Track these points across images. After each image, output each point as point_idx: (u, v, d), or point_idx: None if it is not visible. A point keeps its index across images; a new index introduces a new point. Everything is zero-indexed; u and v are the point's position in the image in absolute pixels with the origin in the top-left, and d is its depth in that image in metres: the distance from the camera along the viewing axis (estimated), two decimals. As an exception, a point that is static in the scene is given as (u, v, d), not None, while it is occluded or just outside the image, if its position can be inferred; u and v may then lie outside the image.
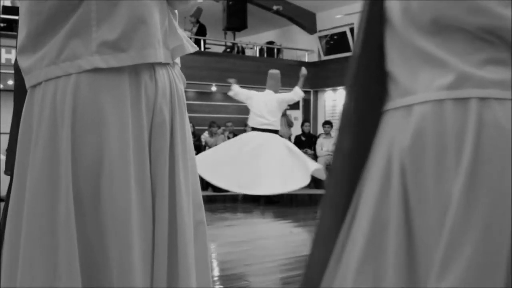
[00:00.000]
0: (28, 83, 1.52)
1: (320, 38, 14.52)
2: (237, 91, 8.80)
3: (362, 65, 1.43)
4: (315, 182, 11.27)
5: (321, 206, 1.47)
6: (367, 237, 1.32)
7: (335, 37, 14.32)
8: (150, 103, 1.52)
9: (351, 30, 13.76)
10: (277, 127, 8.67)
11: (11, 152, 1.69)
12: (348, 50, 13.88)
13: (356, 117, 1.43)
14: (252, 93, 8.77)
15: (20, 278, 1.40)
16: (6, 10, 11.32)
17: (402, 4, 1.30)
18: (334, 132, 12.14)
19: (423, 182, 1.24)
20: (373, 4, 1.39)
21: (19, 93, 1.63)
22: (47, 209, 1.41)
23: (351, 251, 1.34)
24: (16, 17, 11.18)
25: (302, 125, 12.42)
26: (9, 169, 1.71)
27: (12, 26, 11.20)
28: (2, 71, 9.73)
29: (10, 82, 11.48)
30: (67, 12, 1.45)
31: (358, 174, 1.41)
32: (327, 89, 14.42)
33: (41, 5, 1.46)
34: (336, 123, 13.46)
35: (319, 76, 14.10)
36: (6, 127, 7.00)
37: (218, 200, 9.54)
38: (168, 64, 1.58)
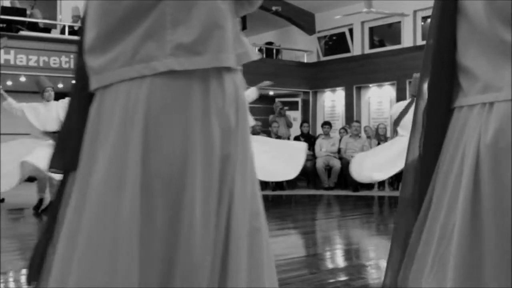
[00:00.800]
0: (97, 83, 1.51)
1: (319, 38, 14.53)
2: None
3: (437, 60, 1.40)
4: (314, 183, 11.29)
5: (399, 207, 1.50)
6: (437, 241, 1.35)
7: (334, 37, 14.33)
8: (219, 108, 1.50)
9: (350, 30, 13.77)
10: None
11: (60, 149, 1.68)
12: (347, 50, 13.90)
13: (428, 115, 1.41)
14: None
15: (77, 278, 1.39)
16: (5, 10, 11.30)
17: None
18: (333, 133, 12.14)
19: (501, 182, 1.22)
20: None
21: (78, 91, 1.61)
22: (111, 211, 1.40)
23: (422, 252, 1.37)
24: (15, 18, 11.21)
25: (301, 125, 12.43)
26: (55, 167, 1.70)
27: (11, 26, 11.19)
28: (2, 71, 9.71)
29: (10, 83, 11.48)
30: (141, 13, 1.44)
31: (430, 173, 1.41)
32: (326, 89, 14.43)
33: (116, 5, 1.45)
34: (335, 124, 13.46)
35: (318, 77, 14.12)
36: (5, 128, 6.94)
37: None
38: (233, 70, 1.58)
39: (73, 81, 1.66)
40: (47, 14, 13.27)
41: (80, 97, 1.59)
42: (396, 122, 8.65)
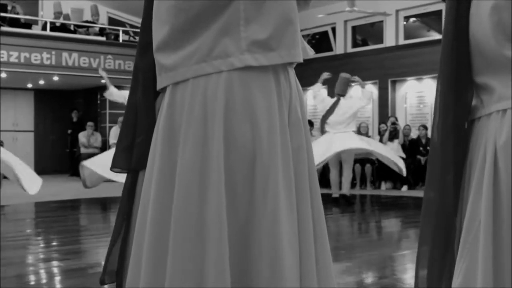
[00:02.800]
0: (169, 80, 1.52)
1: (302, 37, 14.56)
2: None
3: (456, 80, 1.52)
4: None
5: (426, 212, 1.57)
6: (463, 238, 1.43)
7: (317, 36, 14.37)
8: (287, 102, 1.54)
9: (333, 29, 13.81)
10: None
11: (125, 149, 1.65)
12: (330, 49, 13.94)
13: (451, 127, 1.52)
14: None
15: (169, 278, 1.39)
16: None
17: (492, 18, 1.40)
18: (315, 132, 12.17)
19: None
20: (457, 21, 1.50)
21: (142, 90, 1.62)
22: (197, 208, 1.41)
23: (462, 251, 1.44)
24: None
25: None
26: (120, 166, 1.68)
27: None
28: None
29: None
30: (217, 9, 1.47)
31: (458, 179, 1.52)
32: (308, 88, 14.44)
33: (191, 2, 1.48)
34: (317, 122, 13.49)
35: (301, 76, 14.02)
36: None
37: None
38: (293, 64, 1.62)
39: (133, 80, 1.68)
40: (28, 10, 13.16)
41: (145, 95, 1.62)
42: (324, 119, 8.67)
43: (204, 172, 1.42)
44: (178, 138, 1.47)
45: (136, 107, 1.66)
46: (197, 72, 1.47)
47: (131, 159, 1.63)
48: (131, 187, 1.64)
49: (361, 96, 8.89)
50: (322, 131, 8.78)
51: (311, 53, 1.74)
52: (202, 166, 1.42)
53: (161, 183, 1.48)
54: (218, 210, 1.39)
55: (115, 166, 1.69)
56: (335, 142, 8.17)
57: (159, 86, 1.57)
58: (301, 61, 1.59)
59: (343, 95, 8.63)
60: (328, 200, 8.49)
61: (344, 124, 8.46)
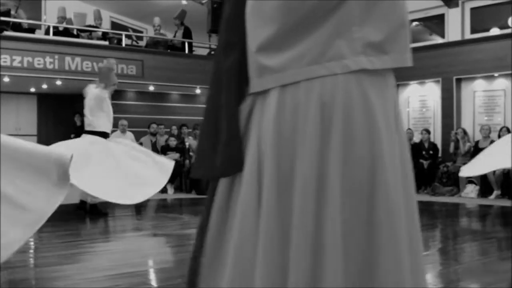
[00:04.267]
0: (275, 82, 1.47)
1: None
2: None
3: None
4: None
5: None
6: None
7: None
8: (397, 108, 1.52)
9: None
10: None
11: (205, 155, 1.60)
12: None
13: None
14: None
15: (294, 278, 1.38)
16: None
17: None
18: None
19: None
20: None
21: (229, 92, 1.58)
22: (314, 209, 1.38)
23: None
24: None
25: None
26: (201, 175, 1.63)
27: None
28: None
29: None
30: (329, 9, 1.42)
31: None
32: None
33: (301, 2, 1.43)
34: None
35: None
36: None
37: (202, 203, 9.50)
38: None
39: (212, 83, 1.63)
40: (31, 15, 13.18)
41: (230, 97, 1.55)
42: None
43: (322, 177, 1.38)
44: (289, 143, 1.43)
45: (218, 109, 1.59)
46: (310, 74, 1.42)
47: (213, 167, 1.57)
48: (213, 196, 1.59)
49: None
50: None
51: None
52: (321, 170, 1.38)
53: (271, 190, 1.43)
54: (334, 214, 1.36)
55: (197, 175, 1.64)
56: None
57: (258, 87, 1.51)
58: (410, 65, 1.52)
59: None
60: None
61: None
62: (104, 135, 7.49)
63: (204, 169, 1.62)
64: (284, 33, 1.45)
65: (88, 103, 7.60)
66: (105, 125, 7.62)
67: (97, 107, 7.56)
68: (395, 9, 1.46)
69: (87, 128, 7.53)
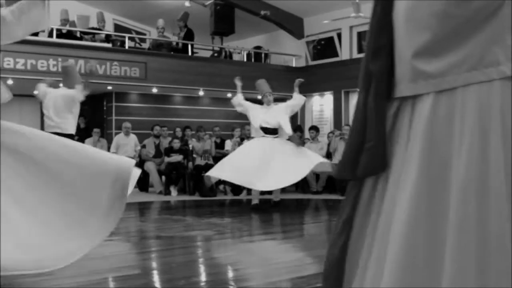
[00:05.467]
0: (431, 87, 1.50)
1: (308, 43, 14.55)
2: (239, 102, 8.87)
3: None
4: (302, 187, 11.29)
5: None
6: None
7: (323, 42, 14.36)
8: None
9: (339, 35, 13.81)
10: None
11: (351, 156, 1.64)
12: (336, 55, 13.93)
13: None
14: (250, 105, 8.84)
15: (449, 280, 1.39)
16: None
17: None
18: (320, 137, 12.15)
19: None
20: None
21: (376, 97, 1.61)
22: (477, 213, 1.39)
23: None
24: None
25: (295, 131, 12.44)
26: (346, 175, 1.65)
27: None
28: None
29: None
30: (488, 14, 1.45)
31: None
32: (314, 94, 14.46)
33: (464, 7, 1.46)
34: (323, 128, 13.45)
35: (306, 81, 14.08)
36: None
37: (205, 205, 9.52)
38: None
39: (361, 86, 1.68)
40: (34, 17, 13.19)
41: (377, 100, 1.61)
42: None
43: (482, 182, 1.40)
44: (442, 146, 1.46)
45: (366, 111, 1.64)
46: (469, 80, 1.45)
47: (357, 167, 1.61)
48: (356, 195, 1.62)
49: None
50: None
51: None
52: (481, 180, 1.40)
53: (421, 194, 1.46)
54: (500, 222, 1.37)
55: (342, 175, 1.68)
56: None
57: (409, 92, 1.55)
58: None
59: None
60: (336, 206, 8.46)
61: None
62: (72, 138, 7.20)
63: (349, 171, 1.66)
64: (441, 40, 1.49)
65: (53, 103, 7.41)
66: (73, 128, 7.54)
67: (66, 108, 7.41)
68: None
69: (50, 130, 7.12)
